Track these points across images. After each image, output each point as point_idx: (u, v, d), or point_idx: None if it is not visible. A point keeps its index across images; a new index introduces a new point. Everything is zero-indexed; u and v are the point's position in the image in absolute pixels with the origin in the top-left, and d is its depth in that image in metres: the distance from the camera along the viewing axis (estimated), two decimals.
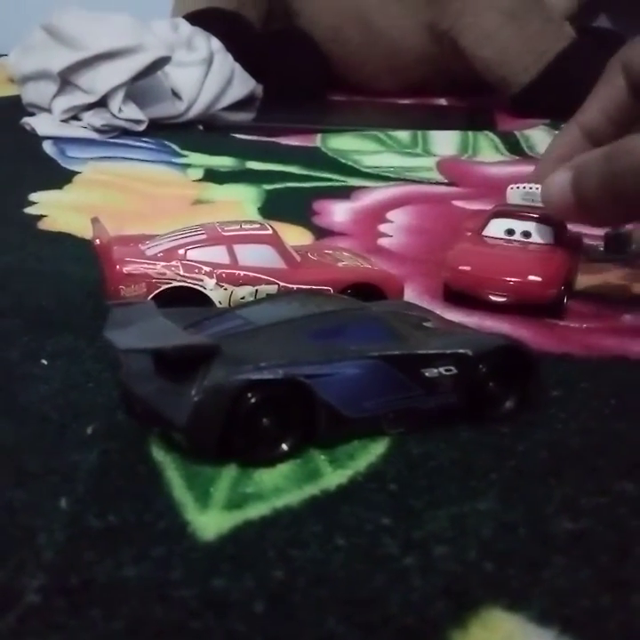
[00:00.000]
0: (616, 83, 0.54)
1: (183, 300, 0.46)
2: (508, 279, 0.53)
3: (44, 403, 0.40)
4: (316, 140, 1.02)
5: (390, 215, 0.75)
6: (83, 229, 0.64)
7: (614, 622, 0.28)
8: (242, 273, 0.48)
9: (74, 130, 0.99)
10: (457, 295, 0.55)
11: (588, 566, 0.30)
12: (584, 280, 0.59)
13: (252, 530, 0.32)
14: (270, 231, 0.50)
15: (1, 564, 0.29)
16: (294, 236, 0.66)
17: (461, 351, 0.39)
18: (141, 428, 0.38)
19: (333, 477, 0.35)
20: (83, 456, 0.36)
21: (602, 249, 0.60)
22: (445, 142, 1.03)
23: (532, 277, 0.53)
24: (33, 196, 0.76)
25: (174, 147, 0.97)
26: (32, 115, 1.04)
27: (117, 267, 0.47)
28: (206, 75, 1.08)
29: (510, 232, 0.57)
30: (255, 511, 0.33)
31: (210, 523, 0.32)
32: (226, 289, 0.48)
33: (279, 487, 0.34)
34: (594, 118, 0.55)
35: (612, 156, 0.47)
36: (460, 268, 0.55)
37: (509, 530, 0.32)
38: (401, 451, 0.37)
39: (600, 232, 0.61)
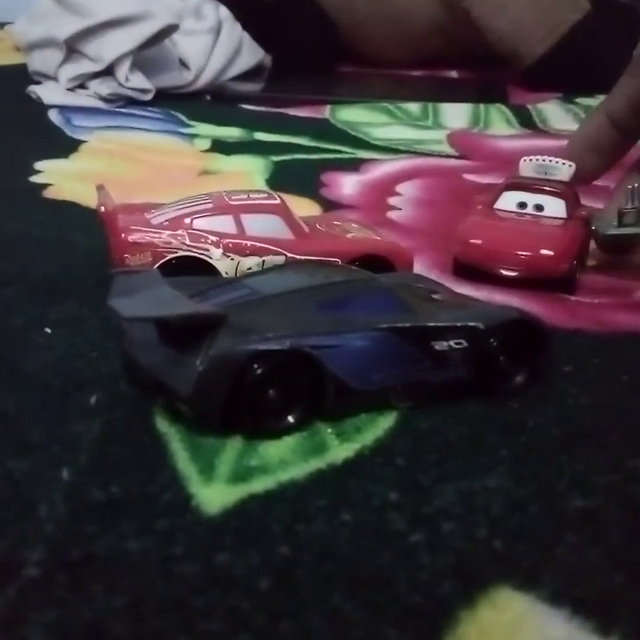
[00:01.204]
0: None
1: (189, 269, 0.46)
2: (520, 253, 0.52)
3: (47, 371, 0.40)
4: (325, 112, 1.01)
5: (400, 188, 0.74)
6: (88, 198, 0.63)
7: (627, 602, 0.27)
8: (249, 243, 0.47)
9: (80, 98, 0.98)
10: (467, 269, 0.54)
11: (599, 544, 0.30)
12: (596, 255, 0.58)
13: (256, 504, 0.31)
14: (278, 201, 0.49)
15: (1, 537, 0.29)
16: (302, 207, 0.65)
17: (472, 324, 0.38)
18: (145, 398, 0.37)
19: (340, 451, 0.35)
20: (85, 426, 0.35)
21: (615, 224, 0.58)
22: (456, 115, 1.01)
23: (544, 251, 0.52)
24: (38, 165, 0.75)
25: (181, 117, 0.96)
26: (38, 83, 1.03)
27: (122, 235, 0.46)
28: (214, 44, 1.06)
29: (522, 205, 0.56)
30: (260, 484, 0.32)
31: (214, 496, 0.31)
32: (232, 259, 0.47)
33: (285, 460, 0.34)
34: (620, 107, 0.56)
35: None
36: (471, 241, 0.54)
37: (519, 507, 0.32)
38: (409, 425, 0.37)
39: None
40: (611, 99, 0.58)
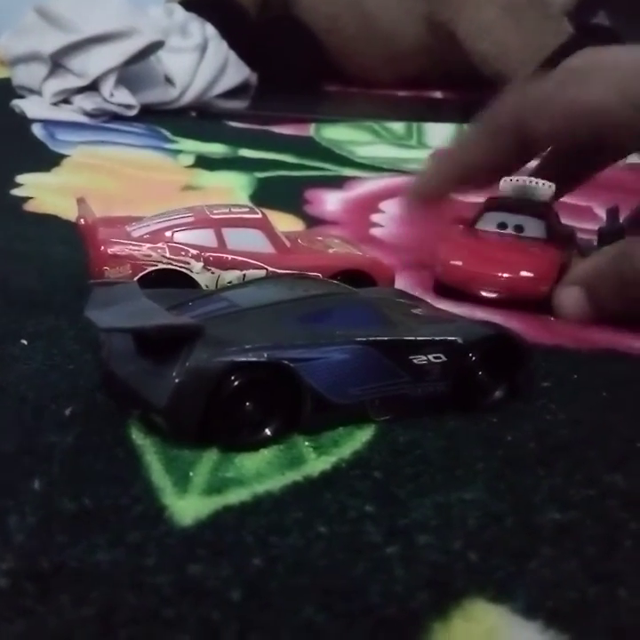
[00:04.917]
0: (502, 137, 0.54)
1: (169, 283, 0.45)
2: (500, 274, 0.52)
3: (22, 383, 0.39)
4: (310, 130, 1.01)
5: (383, 205, 0.74)
6: (69, 212, 0.62)
7: (601, 615, 0.27)
8: (230, 257, 0.47)
9: (64, 113, 0.98)
10: (447, 290, 0.54)
11: (574, 558, 0.29)
12: None
13: (231, 515, 0.31)
14: (259, 215, 0.49)
15: None
16: (285, 224, 0.65)
17: (451, 339, 0.38)
18: (121, 410, 0.37)
19: (317, 464, 0.34)
20: (59, 437, 0.35)
21: (595, 244, 0.59)
22: (440, 135, 1.02)
23: (524, 273, 0.52)
24: (20, 178, 0.75)
25: (165, 132, 0.96)
26: (22, 97, 1.03)
27: (102, 247, 0.46)
28: (200, 61, 1.07)
29: (503, 226, 0.56)
30: (235, 496, 0.32)
31: (188, 507, 0.31)
32: (213, 273, 0.47)
33: (261, 473, 0.33)
34: (474, 164, 0.56)
35: (622, 270, 0.48)
36: (452, 262, 0.53)
37: (495, 520, 0.31)
38: (387, 438, 0.36)
39: (594, 227, 0.61)
40: (463, 151, 0.57)
